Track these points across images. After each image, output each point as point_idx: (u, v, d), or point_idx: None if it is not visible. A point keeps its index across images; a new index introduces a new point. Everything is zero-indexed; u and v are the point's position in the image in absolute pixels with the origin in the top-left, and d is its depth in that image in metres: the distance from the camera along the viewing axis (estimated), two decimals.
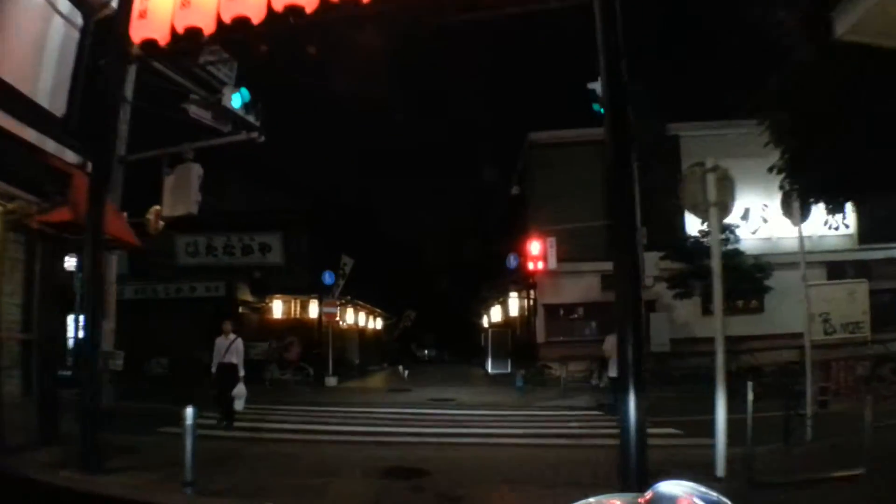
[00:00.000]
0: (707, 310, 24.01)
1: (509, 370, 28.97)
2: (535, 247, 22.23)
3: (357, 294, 32.77)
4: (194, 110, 12.03)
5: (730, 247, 21.43)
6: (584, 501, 1.38)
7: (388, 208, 74.75)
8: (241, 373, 12.30)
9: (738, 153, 25.50)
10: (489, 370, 30.97)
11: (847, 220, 12.96)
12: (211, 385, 12.28)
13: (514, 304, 27.74)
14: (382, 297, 42.89)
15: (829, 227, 10.45)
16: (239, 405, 11.97)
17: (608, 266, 21.55)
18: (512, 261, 25.16)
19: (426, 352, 63.98)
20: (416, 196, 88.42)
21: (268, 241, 28.36)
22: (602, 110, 20.12)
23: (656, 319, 21.68)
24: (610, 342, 13.86)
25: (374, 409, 16.88)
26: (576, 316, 24.06)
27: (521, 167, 28.09)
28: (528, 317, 25.65)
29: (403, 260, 53.99)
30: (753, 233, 22.08)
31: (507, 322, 32.20)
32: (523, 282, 25.49)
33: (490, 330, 33.46)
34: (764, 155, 23.67)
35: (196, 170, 12.14)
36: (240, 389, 12.03)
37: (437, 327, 65.12)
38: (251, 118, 12.43)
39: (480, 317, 45.17)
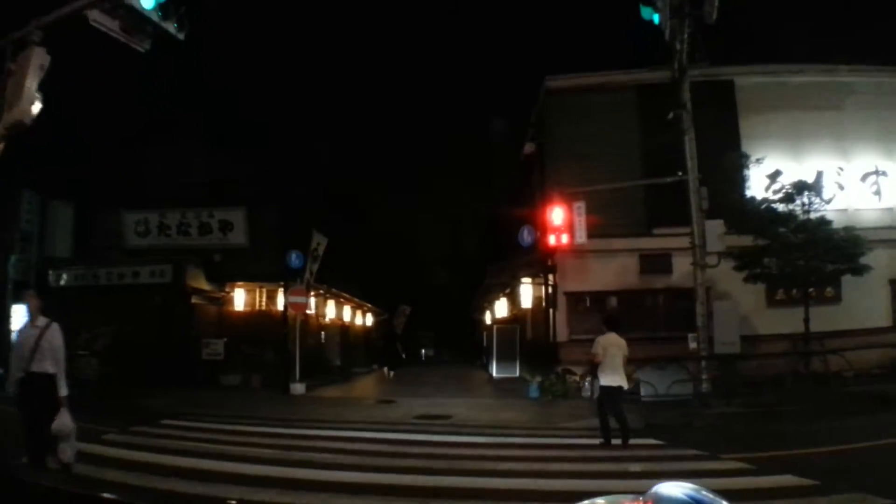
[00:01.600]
0: (774, 299, 19.15)
1: (517, 374, 24.83)
2: (557, 215, 17.23)
3: (339, 284, 28.40)
4: (96, 17, 8.82)
5: (812, 214, 16.56)
6: (590, 501, 1.56)
7: (379, 182, 67.27)
8: (63, 391, 7.15)
9: (804, 104, 20.93)
10: (494, 374, 26.75)
11: None
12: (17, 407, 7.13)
13: (527, 293, 22.47)
14: (372, 289, 38.58)
15: None
16: (67, 453, 6.87)
17: (650, 243, 16.85)
18: (526, 236, 20.19)
19: (423, 351, 59.91)
20: (410, 168, 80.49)
21: (229, 219, 23.71)
22: (656, 16, 15.34)
23: (722, 311, 16.78)
24: (603, 342, 11.23)
25: (333, 435, 12.21)
26: (607, 308, 19.13)
27: (537, 119, 23.15)
28: (545, 309, 20.70)
29: (397, 246, 49.39)
30: (828, 201, 17.06)
31: (517, 316, 27.16)
32: (539, 264, 20.52)
33: (495, 327, 28.56)
34: (836, 106, 18.49)
35: (37, 56, 8.48)
36: (63, 423, 6.92)
37: (436, 325, 60.61)
38: (171, 26, 9.32)
39: (484, 312, 40.26)
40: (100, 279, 22.63)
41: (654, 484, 1.55)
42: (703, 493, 1.40)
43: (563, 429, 13.31)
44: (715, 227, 16.13)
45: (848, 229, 16.73)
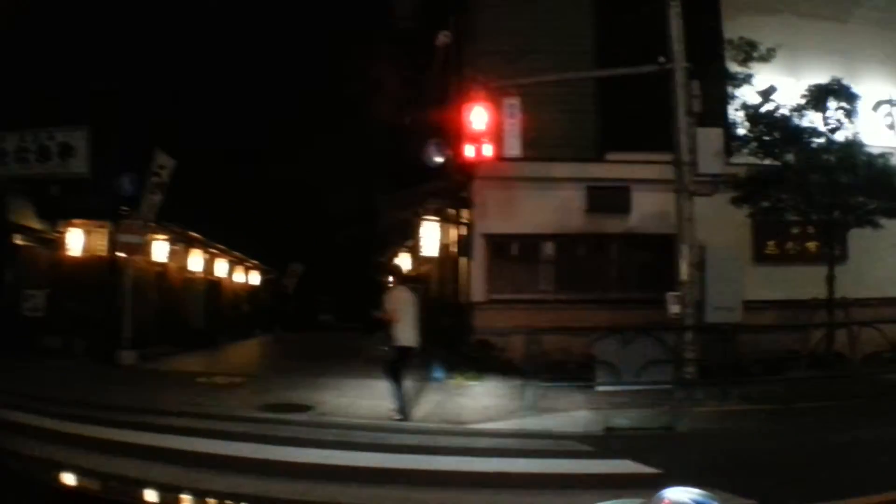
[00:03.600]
0: (763, 253, 14.55)
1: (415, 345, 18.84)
2: (478, 116, 11.80)
3: (219, 234, 24.44)
4: None
5: (842, 134, 12.04)
6: None
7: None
8: None
9: (801, 9, 16.41)
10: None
11: None
12: None
13: (432, 235, 16.44)
14: (268, 245, 34.49)
15: None
16: None
17: (602, 171, 11.95)
18: (433, 152, 14.70)
19: (321, 317, 54.80)
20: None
21: (70, 141, 17.67)
22: None
23: (718, 261, 11.99)
24: (399, 296, 10.08)
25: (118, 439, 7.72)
26: (541, 257, 14.05)
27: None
28: (455, 259, 15.35)
29: (298, 196, 43.05)
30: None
31: (420, 272, 21.44)
32: (450, 194, 15.01)
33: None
34: (840, 17, 14.46)
35: None
36: None
37: (338, 288, 55.16)
38: None
39: (384, 270, 34.84)
40: None
41: None
42: (711, 497, 1.36)
43: (487, 434, 8.80)
44: (711, 138, 11.21)
45: (885, 157, 12.13)
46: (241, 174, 31.70)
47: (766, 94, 12.76)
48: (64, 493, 1.97)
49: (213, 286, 28.51)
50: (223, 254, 28.08)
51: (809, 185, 12.04)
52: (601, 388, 10.98)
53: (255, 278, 37.19)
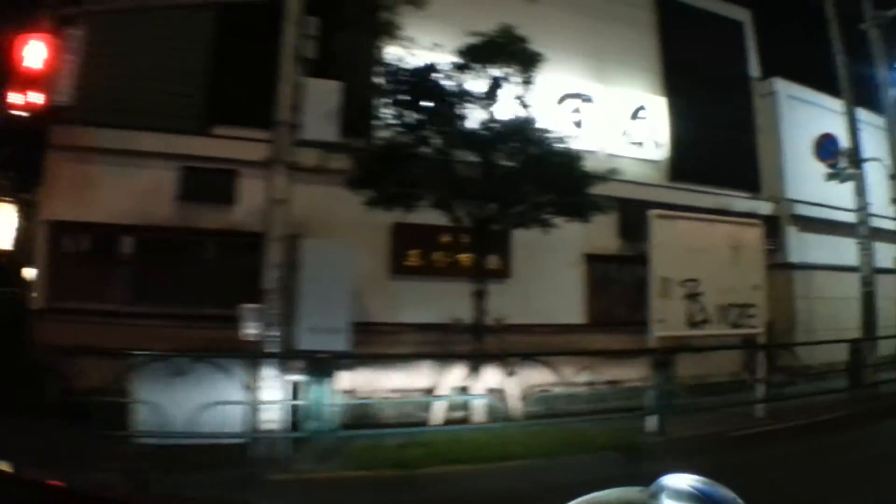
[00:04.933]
0: (403, 265, 12.22)
1: None
2: (34, 53, 8.34)
3: None
4: None
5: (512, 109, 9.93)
6: (593, 495, 1.46)
7: None
8: None
9: None
10: None
11: None
12: None
13: (4, 221, 12.57)
14: None
15: None
16: None
17: (206, 147, 9.38)
18: None
19: None
20: None
21: None
22: None
23: (316, 261, 9.35)
24: None
25: None
26: (117, 255, 10.78)
27: None
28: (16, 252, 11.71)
29: None
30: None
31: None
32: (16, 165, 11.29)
33: None
34: None
35: None
36: None
37: None
38: None
39: None
40: None
41: None
42: (710, 484, 1.38)
43: None
44: (325, 93, 8.57)
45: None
46: None
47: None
48: None
49: None
50: None
51: (453, 166, 9.65)
52: (147, 441, 7.84)
53: None
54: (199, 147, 11.02)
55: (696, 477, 1.38)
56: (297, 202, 8.96)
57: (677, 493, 1.35)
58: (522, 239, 11.85)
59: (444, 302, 11.06)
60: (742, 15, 17.23)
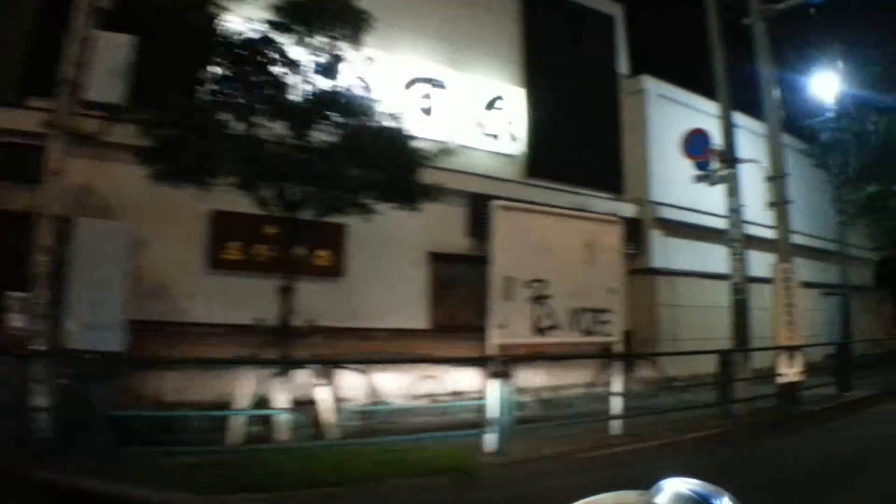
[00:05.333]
0: (221, 258, 10.79)
1: None
2: None
3: None
4: None
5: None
6: (595, 497, 1.51)
7: None
8: None
9: None
10: None
11: None
12: None
13: None
14: None
15: None
16: None
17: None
18: None
19: None
20: None
21: None
22: None
23: (94, 246, 7.97)
24: None
25: None
26: None
27: None
28: None
29: None
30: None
31: None
32: None
33: None
34: None
35: None
36: None
37: None
38: None
39: None
40: None
41: None
42: (709, 488, 1.42)
43: None
44: (115, 47, 7.43)
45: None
46: None
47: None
48: None
49: None
50: None
51: (260, 139, 8.29)
52: None
53: None
54: None
55: (695, 481, 1.44)
56: (102, 184, 7.56)
57: (676, 497, 1.38)
58: (360, 234, 10.73)
59: (267, 301, 9.70)
60: (613, 9, 16.72)
